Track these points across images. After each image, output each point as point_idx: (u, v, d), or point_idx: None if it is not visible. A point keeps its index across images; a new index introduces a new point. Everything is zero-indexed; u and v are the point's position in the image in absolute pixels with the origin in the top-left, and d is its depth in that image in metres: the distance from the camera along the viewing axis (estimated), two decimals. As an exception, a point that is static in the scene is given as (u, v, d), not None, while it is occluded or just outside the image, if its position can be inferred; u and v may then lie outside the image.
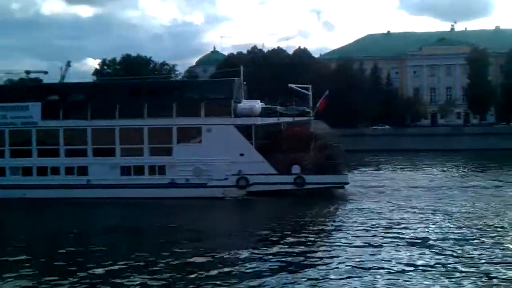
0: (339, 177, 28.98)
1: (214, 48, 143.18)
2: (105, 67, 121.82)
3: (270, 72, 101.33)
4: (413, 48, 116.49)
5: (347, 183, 29.13)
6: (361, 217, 22.64)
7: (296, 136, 29.95)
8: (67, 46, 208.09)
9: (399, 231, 19.35)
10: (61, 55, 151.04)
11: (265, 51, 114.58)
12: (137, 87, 34.83)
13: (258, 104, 30.21)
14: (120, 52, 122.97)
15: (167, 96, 31.11)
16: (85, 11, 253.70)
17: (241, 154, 29.13)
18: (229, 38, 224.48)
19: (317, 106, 32.24)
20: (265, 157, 29.05)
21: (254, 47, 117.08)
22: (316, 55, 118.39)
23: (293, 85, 32.53)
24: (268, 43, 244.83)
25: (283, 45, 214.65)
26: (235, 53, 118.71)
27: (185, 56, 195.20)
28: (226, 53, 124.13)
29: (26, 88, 33.00)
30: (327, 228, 21.43)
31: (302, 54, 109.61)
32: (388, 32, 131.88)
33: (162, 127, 29.76)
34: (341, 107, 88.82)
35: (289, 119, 30.46)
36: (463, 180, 36.56)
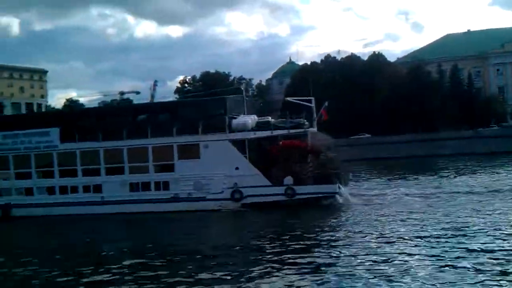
0: (327, 187, 30.33)
1: (290, 59, 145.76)
2: (186, 85, 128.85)
3: (343, 79, 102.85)
4: (495, 46, 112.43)
5: (335, 193, 30.36)
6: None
7: (289, 148, 31.61)
8: (159, 66, 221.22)
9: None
10: (155, 75, 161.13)
11: (339, 59, 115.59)
12: (139, 108, 38.04)
13: (251, 119, 32.08)
14: (209, 68, 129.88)
15: (167, 115, 34.01)
16: (175, 31, 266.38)
17: (237, 168, 31.37)
18: (315, 47, 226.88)
19: (314, 118, 33.96)
20: (260, 170, 31.20)
21: (328, 56, 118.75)
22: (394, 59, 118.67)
23: (290, 98, 34.30)
24: (355, 49, 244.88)
25: (370, 50, 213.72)
26: (309, 63, 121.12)
27: (272, 68, 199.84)
28: (308, 62, 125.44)
29: (48, 115, 36.90)
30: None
31: (377, 59, 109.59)
32: (468, 30, 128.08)
33: (164, 145, 32.62)
34: (414, 111, 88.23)
35: (284, 132, 32.33)
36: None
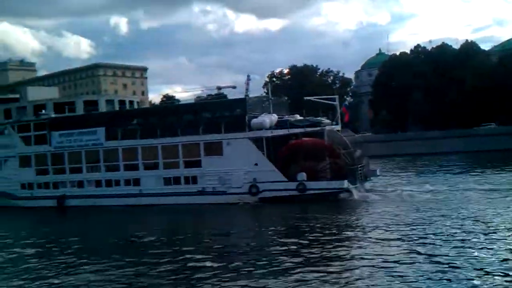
0: (336, 183, 32.15)
1: (380, 50, 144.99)
2: (274, 79, 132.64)
3: (432, 69, 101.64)
4: None
5: (343, 189, 32.07)
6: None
7: (299, 146, 33.87)
8: (259, 59, 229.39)
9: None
10: (254, 68, 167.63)
11: (429, 49, 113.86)
12: (171, 109, 41.87)
13: (269, 118, 34.49)
14: (309, 60, 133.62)
15: (195, 115, 37.59)
16: (274, 24, 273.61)
17: (256, 164, 34.19)
18: (416, 35, 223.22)
19: (337, 116, 36.14)
20: (277, 166, 33.76)
21: (418, 46, 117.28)
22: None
23: (311, 98, 36.48)
24: (461, 36, 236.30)
25: (476, 36, 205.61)
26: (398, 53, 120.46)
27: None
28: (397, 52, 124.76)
29: (96, 116, 41.79)
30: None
31: (470, 48, 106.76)
32: None
33: (192, 143, 36.11)
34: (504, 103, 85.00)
35: (300, 130, 34.61)
36: None
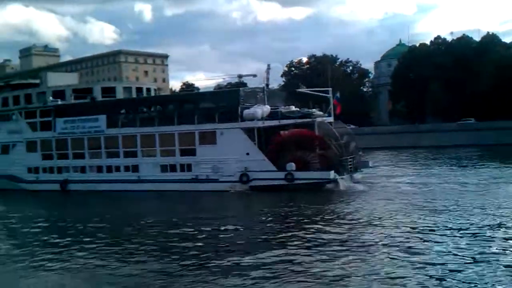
0: (322, 174, 33.33)
1: (400, 40, 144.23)
2: (293, 69, 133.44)
3: (452, 61, 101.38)
4: None
5: (329, 179, 33.24)
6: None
7: (294, 136, 35.10)
8: (283, 47, 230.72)
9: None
10: (278, 56, 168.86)
11: (450, 40, 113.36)
12: (169, 99, 43.39)
13: (261, 109, 35.78)
14: (332, 49, 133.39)
15: (190, 105, 39.05)
16: (299, 13, 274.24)
17: (247, 154, 35.56)
18: (440, 27, 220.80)
19: (330, 108, 37.43)
20: (268, 156, 35.09)
21: (438, 37, 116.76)
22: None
23: (302, 90, 37.67)
24: (488, 28, 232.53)
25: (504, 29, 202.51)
26: (417, 45, 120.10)
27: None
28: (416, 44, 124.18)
29: (97, 104, 43.57)
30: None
31: (490, 40, 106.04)
32: None
33: (187, 132, 37.63)
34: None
35: (291, 121, 35.84)
36: None
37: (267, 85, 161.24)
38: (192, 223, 24.87)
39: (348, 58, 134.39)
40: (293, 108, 39.20)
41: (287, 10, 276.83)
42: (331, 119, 37.80)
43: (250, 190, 35.00)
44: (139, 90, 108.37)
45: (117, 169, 40.15)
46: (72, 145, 42.08)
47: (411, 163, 52.80)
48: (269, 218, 25.89)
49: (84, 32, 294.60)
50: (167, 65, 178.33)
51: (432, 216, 23.09)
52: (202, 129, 37.04)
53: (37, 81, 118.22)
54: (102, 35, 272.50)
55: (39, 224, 27.67)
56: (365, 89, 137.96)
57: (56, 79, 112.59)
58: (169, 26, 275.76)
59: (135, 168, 39.43)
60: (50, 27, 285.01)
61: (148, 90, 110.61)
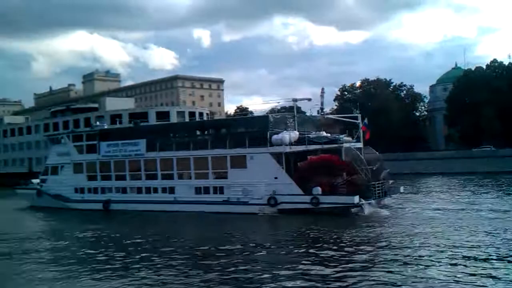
0: (346, 198, 34.36)
1: (456, 64, 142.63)
2: (345, 93, 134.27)
3: (508, 85, 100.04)
4: None
5: (353, 204, 34.12)
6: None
7: (320, 161, 36.39)
8: (339, 71, 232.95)
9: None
10: (334, 80, 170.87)
11: (507, 64, 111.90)
12: (202, 125, 45.56)
13: (289, 135, 37.32)
14: (391, 73, 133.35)
15: (223, 131, 41.11)
16: (355, 37, 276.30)
17: (275, 177, 37.11)
18: (499, 50, 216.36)
19: (359, 134, 38.73)
20: (295, 180, 36.52)
21: (494, 61, 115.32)
22: None
23: (333, 116, 38.95)
24: None
25: None
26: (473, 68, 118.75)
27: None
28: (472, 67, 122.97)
29: (138, 130, 46.35)
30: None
31: None
32: None
33: (220, 156, 39.60)
34: None
35: (318, 147, 37.22)
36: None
37: (322, 109, 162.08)
38: (224, 241, 26.86)
39: (402, 82, 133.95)
40: (323, 133, 40.60)
41: (343, 34, 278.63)
42: (360, 145, 38.96)
43: (277, 213, 36.44)
44: (191, 114, 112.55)
45: (155, 190, 42.54)
46: (114, 167, 44.93)
47: (454, 189, 52.53)
48: (293, 240, 27.68)
49: (145, 57, 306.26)
50: (222, 89, 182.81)
51: (437, 243, 23.67)
52: (233, 153, 38.94)
53: (96, 105, 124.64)
54: (162, 60, 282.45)
55: (91, 240, 30.65)
56: (417, 114, 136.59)
57: (113, 104, 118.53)
58: (226, 52, 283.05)
59: (172, 190, 41.66)
60: (113, 53, 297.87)
61: (201, 114, 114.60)
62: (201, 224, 36.30)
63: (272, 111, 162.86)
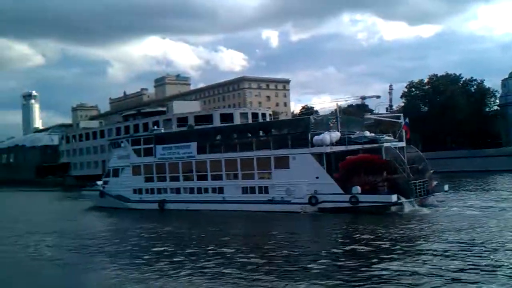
0: (384, 197, 35.35)
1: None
2: (413, 89, 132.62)
3: None
4: None
5: (390, 203, 35.01)
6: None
7: (360, 161, 37.47)
8: (410, 66, 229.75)
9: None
10: (405, 76, 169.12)
11: None
12: (248, 127, 47.42)
13: (329, 135, 38.69)
14: (464, 67, 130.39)
15: (268, 132, 42.90)
16: (426, 30, 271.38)
17: (317, 177, 38.55)
18: None
19: (401, 133, 39.59)
20: (336, 179, 37.84)
21: None
22: None
23: (373, 115, 39.86)
24: None
25: None
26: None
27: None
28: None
29: (189, 133, 48.93)
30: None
31: None
32: None
33: (264, 157, 41.46)
34: None
35: (358, 147, 38.31)
36: None
37: (390, 106, 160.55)
38: (271, 239, 29.02)
39: (471, 77, 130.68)
40: (367, 133, 41.61)
41: (414, 29, 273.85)
42: (402, 144, 39.73)
43: (318, 211, 37.88)
44: (254, 115, 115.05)
45: (206, 190, 44.98)
46: (169, 169, 47.80)
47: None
48: (332, 237, 29.60)
49: (215, 60, 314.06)
50: (288, 89, 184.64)
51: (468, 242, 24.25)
52: (276, 154, 40.73)
53: (164, 109, 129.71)
54: (232, 62, 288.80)
55: (153, 236, 33.31)
56: (487, 109, 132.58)
57: (180, 107, 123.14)
58: (294, 51, 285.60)
59: (221, 190, 43.93)
60: (184, 57, 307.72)
61: (263, 115, 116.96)
62: (248, 222, 38.36)
63: (340, 109, 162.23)
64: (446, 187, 41.12)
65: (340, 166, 37.94)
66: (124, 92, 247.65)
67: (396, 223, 31.66)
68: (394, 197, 35.00)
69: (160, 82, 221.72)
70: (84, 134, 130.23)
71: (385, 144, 37.99)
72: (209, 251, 25.53)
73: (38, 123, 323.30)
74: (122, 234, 34.60)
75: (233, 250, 25.54)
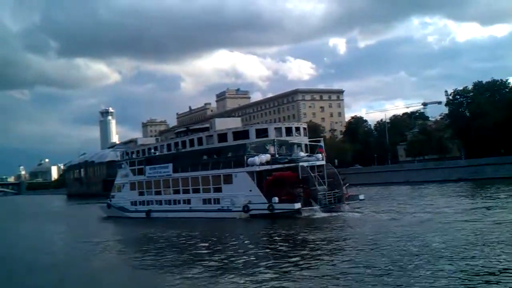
0: (289, 205, 46.77)
1: None
2: (457, 97, 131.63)
3: None
4: None
5: (294, 210, 46.31)
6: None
7: (279, 177, 49.11)
8: (485, 67, 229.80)
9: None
10: (480, 77, 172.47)
11: None
12: (203, 151, 60.15)
13: (259, 157, 50.54)
14: None
15: (220, 155, 55.68)
16: (501, 30, 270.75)
17: (250, 190, 50.62)
18: None
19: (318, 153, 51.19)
20: (263, 192, 49.73)
21: None
22: None
23: (294, 141, 51.57)
24: None
25: None
26: None
27: None
28: None
29: (167, 156, 62.34)
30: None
31: None
32: None
33: (216, 175, 54.02)
34: None
35: (280, 166, 50.07)
36: None
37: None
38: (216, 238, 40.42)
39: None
40: (301, 154, 53.29)
41: (487, 29, 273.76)
42: (322, 162, 51.23)
43: (250, 217, 49.88)
44: (288, 130, 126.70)
45: (179, 202, 58.28)
46: (154, 185, 61.60)
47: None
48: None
49: (284, 70, 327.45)
50: (342, 99, 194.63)
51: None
52: (224, 173, 53.27)
53: (207, 125, 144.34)
54: (300, 71, 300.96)
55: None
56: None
57: (222, 124, 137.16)
58: (363, 57, 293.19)
59: (189, 201, 56.99)
60: (253, 68, 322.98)
61: (297, 129, 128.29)
62: (211, 226, 49.66)
63: (395, 117, 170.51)
64: (361, 197, 51.99)
65: (265, 181, 49.88)
66: (190, 107, 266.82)
67: (292, 224, 43.27)
68: (297, 205, 46.58)
69: (221, 96, 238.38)
70: (141, 151, 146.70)
71: (300, 164, 49.54)
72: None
73: (115, 138, 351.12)
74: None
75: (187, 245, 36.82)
